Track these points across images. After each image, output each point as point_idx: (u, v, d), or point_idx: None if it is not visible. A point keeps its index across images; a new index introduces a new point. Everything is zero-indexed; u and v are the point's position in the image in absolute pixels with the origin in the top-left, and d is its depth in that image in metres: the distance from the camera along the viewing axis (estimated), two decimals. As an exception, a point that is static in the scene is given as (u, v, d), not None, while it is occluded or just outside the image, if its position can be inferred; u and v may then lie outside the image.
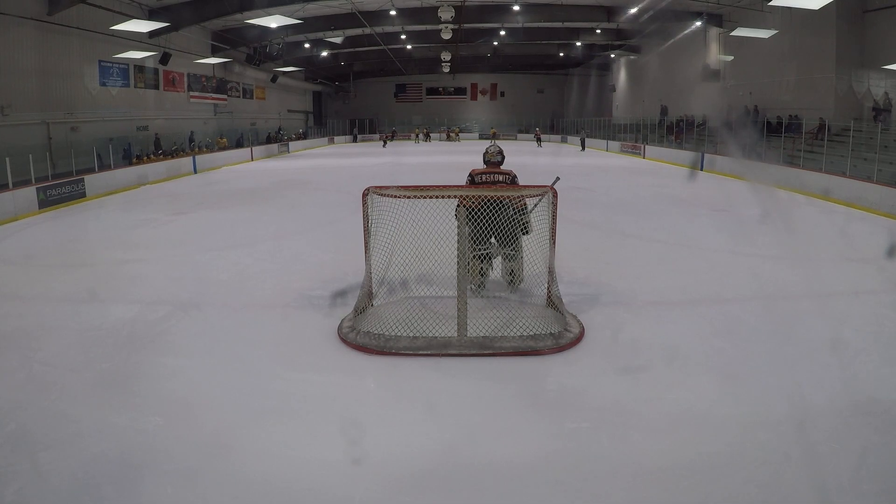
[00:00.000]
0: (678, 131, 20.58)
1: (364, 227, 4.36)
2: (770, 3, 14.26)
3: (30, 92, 13.68)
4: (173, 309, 4.86)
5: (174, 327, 4.51)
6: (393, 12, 21.46)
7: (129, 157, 15.89)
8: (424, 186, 4.11)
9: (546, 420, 3.12)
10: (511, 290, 4.99)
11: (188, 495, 2.51)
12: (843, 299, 5.07)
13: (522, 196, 4.71)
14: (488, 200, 4.34)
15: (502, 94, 39.74)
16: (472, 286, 4.77)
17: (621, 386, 3.45)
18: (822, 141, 13.19)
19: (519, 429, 3.03)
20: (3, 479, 2.58)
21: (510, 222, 4.55)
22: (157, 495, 2.50)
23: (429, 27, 22.90)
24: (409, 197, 4.14)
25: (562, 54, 30.18)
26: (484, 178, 4.99)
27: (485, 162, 5.18)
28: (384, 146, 31.52)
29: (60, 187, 11.46)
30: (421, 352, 3.84)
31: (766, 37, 16.82)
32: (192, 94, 22.19)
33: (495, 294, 4.94)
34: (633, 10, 19.41)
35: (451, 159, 19.88)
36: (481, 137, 35.81)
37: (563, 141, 33.59)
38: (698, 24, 19.26)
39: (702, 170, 16.87)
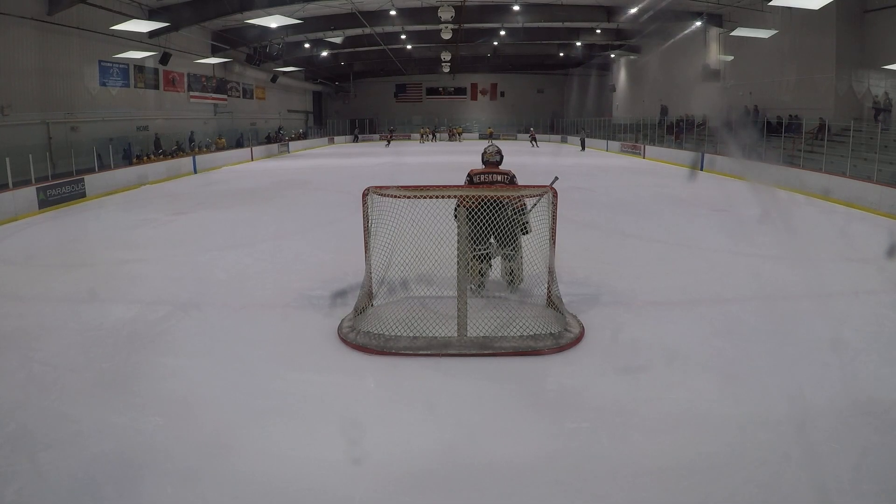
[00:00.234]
0: (678, 131, 20.57)
1: (364, 227, 4.36)
2: (770, 3, 14.26)
3: (30, 92, 13.67)
4: (173, 309, 4.86)
5: (174, 327, 4.51)
6: (393, 12, 21.46)
7: (129, 157, 15.89)
8: (424, 186, 4.12)
9: (546, 420, 3.12)
10: (511, 290, 4.99)
11: (188, 495, 2.51)
12: (843, 299, 5.07)
13: (521, 196, 4.71)
14: (487, 200, 4.34)
15: (502, 94, 39.73)
16: (472, 286, 4.77)
17: (621, 386, 3.45)
18: (822, 141, 13.19)
19: (519, 429, 3.03)
20: (3, 479, 2.58)
21: (509, 222, 4.55)
22: (157, 495, 2.50)
23: (429, 27, 22.89)
24: (409, 197, 4.14)
25: (562, 54, 30.17)
26: (482, 179, 4.98)
27: (483, 162, 5.18)
28: (387, 146, 31.50)
29: (60, 187, 11.47)
30: (421, 352, 3.84)
31: (766, 37, 16.81)
32: (192, 94, 22.19)
33: (495, 294, 4.94)
34: (633, 10, 19.40)
35: (452, 159, 19.87)
36: (481, 137, 35.82)
37: (563, 141, 33.59)
38: (698, 24, 19.25)
39: (702, 170, 16.87)
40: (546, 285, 4.55)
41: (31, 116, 13.79)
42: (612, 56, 29.47)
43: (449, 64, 31.11)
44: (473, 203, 4.28)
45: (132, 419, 3.10)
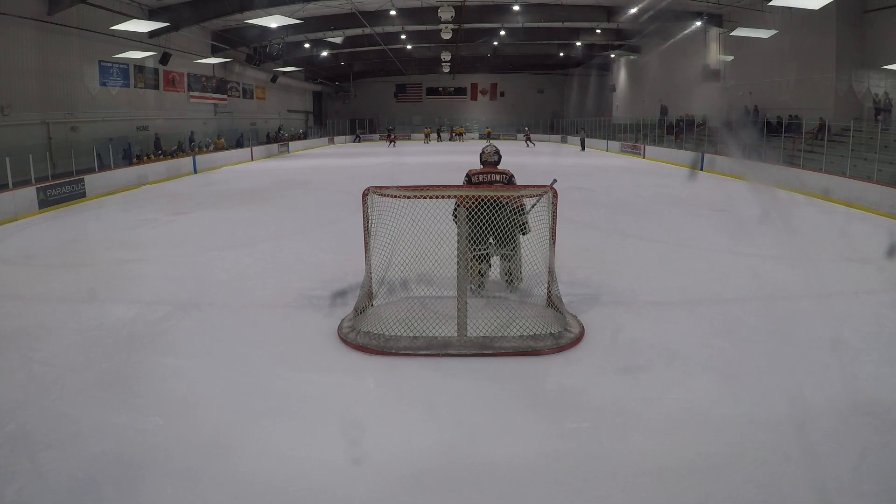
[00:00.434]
0: (678, 131, 20.56)
1: (364, 227, 4.36)
2: (770, 3, 14.26)
3: (30, 92, 13.67)
4: (173, 309, 4.86)
5: (174, 327, 4.51)
6: (393, 12, 21.46)
7: (129, 157, 15.88)
8: (424, 186, 4.12)
9: (546, 420, 3.12)
10: (510, 290, 4.99)
11: (188, 495, 2.51)
12: (843, 299, 5.07)
13: (520, 196, 4.70)
14: (486, 200, 4.33)
15: (502, 94, 39.72)
16: (472, 286, 4.77)
17: (621, 386, 3.45)
18: (822, 141, 13.18)
19: (519, 429, 3.03)
20: (3, 479, 2.58)
21: (508, 222, 4.54)
22: (157, 495, 2.50)
23: (429, 27, 22.88)
24: (408, 197, 4.14)
25: (562, 54, 30.16)
26: (481, 179, 4.98)
27: (481, 162, 5.18)
28: (390, 145, 31.50)
29: (60, 187, 11.46)
30: (421, 352, 3.84)
31: (766, 37, 16.81)
32: (192, 94, 22.18)
33: (495, 294, 4.94)
34: (633, 10, 19.39)
35: (452, 159, 19.87)
36: (481, 137, 35.83)
37: (563, 141, 33.58)
38: (698, 24, 19.25)
39: (702, 170, 16.87)
40: (546, 285, 4.55)
41: (31, 116, 13.79)
42: (612, 56, 29.47)
43: (449, 64, 31.11)
44: (472, 203, 4.28)
45: (132, 419, 3.10)
